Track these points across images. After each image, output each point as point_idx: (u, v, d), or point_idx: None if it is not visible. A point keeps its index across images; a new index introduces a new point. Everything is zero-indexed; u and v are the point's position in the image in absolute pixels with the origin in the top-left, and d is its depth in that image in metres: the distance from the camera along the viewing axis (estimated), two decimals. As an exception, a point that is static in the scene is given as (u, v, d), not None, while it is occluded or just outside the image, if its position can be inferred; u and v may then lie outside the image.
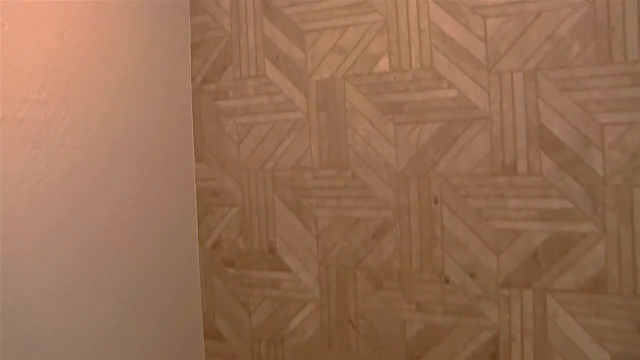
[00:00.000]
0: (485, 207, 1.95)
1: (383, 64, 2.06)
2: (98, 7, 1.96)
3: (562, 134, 1.86)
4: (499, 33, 1.92)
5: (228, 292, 2.40)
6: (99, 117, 1.96)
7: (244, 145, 2.32)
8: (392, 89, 2.05)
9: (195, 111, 2.40)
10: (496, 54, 1.93)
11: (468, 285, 1.99)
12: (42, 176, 1.75)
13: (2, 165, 1.62)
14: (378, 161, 2.09)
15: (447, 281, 2.02)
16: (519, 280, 1.92)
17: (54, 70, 1.79)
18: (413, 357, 2.08)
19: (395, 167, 2.07)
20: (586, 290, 1.83)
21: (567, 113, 1.85)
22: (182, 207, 2.34)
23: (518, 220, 1.91)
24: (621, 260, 1.79)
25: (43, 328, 1.73)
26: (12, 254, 1.64)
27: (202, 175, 2.41)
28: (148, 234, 2.14)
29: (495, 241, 1.94)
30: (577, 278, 1.84)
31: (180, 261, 2.33)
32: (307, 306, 2.24)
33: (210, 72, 2.37)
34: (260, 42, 2.25)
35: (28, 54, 1.70)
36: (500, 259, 1.94)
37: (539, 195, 1.88)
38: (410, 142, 2.05)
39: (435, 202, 2.02)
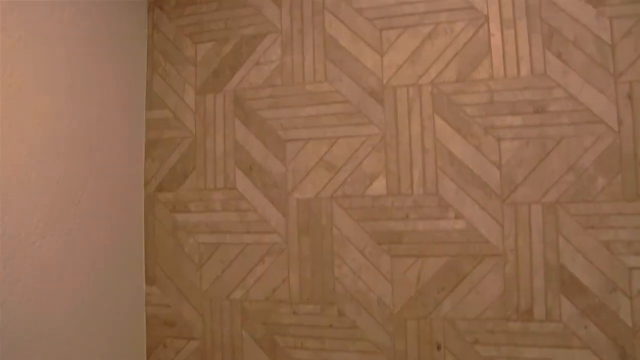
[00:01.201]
0: (497, 357, 1.70)
1: (379, 186, 1.79)
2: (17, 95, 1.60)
3: (585, 276, 1.65)
4: (515, 158, 1.70)
5: None
6: (26, 243, 1.57)
7: (207, 269, 1.97)
8: (389, 215, 1.78)
9: (147, 223, 2.04)
10: (512, 182, 1.70)
11: None
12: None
13: None
14: (370, 298, 1.80)
15: None
16: None
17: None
18: None
19: (391, 307, 1.78)
20: None
21: (590, 253, 1.65)
22: (128, 337, 1.97)
23: (534, 372, 1.66)
24: (652, 422, 1.56)
25: None
26: None
27: (154, 300, 2.04)
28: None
29: (508, 395, 1.68)
30: None
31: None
32: None
33: (167, 178, 2.03)
34: (230, 148, 1.94)
35: None
36: (514, 416, 1.67)
37: (558, 345, 1.67)
38: (410, 279, 1.77)
39: (438, 348, 1.75)
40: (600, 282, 1.65)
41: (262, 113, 1.95)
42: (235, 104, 1.98)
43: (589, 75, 1.68)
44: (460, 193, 1.76)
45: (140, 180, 2.08)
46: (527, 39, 1.73)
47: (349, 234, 1.84)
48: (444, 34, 1.79)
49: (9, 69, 1.51)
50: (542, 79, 1.71)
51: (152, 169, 2.08)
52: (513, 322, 1.71)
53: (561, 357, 1.67)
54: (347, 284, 1.85)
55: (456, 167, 1.76)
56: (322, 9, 1.91)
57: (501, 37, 1.74)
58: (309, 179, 1.89)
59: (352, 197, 1.85)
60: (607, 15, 1.68)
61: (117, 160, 1.96)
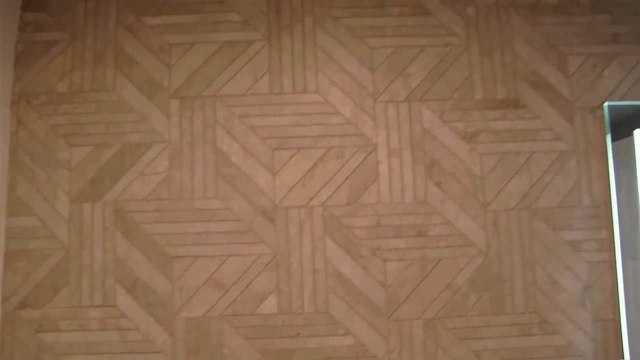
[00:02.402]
0: None
1: (270, 305, 1.83)
2: None
3: (459, 383, 1.83)
4: (399, 279, 1.85)
5: None
6: None
7: (81, 395, 1.83)
8: (281, 333, 1.82)
9: (4, 345, 1.84)
10: (396, 301, 1.84)
11: None
12: None
13: None
14: (261, 418, 1.81)
15: None
16: None
17: None
18: None
19: None
20: None
21: (464, 362, 1.83)
22: None
23: None
24: None
25: None
26: None
27: None
28: None
29: None
30: None
31: None
32: None
33: (33, 293, 1.86)
34: (110, 263, 1.84)
35: None
36: None
37: None
38: (300, 396, 1.82)
39: None
40: (472, 388, 1.84)
41: (146, 227, 1.88)
42: (117, 215, 1.89)
43: (463, 203, 1.89)
44: (349, 311, 1.85)
45: (-1, 295, 1.88)
46: (412, 168, 1.89)
47: (240, 353, 1.84)
48: (336, 158, 1.89)
49: None
50: (423, 205, 1.88)
51: (13, 283, 1.89)
52: None
53: None
54: (237, 404, 1.84)
55: (346, 287, 1.86)
56: (214, 124, 1.91)
57: (388, 165, 1.89)
58: (197, 297, 1.86)
59: (243, 316, 1.85)
60: (478, 151, 1.91)
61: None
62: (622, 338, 1.86)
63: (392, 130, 1.92)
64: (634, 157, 1.88)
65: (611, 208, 1.90)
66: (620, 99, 1.96)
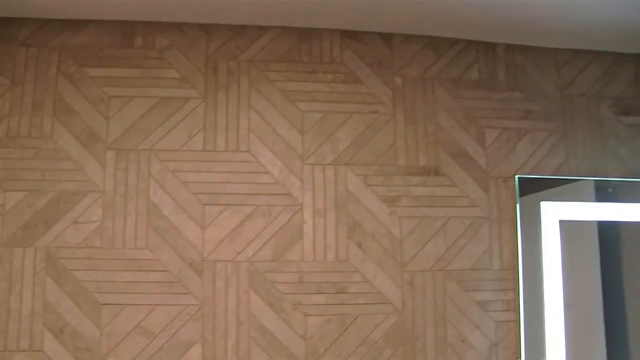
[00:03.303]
0: None
1: (195, 354, 1.96)
2: None
3: None
4: (319, 332, 1.99)
5: None
6: None
7: None
8: (204, 381, 1.93)
9: None
10: (315, 353, 1.99)
11: None
12: None
13: None
14: None
15: None
16: None
17: None
18: None
19: None
20: None
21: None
22: None
23: None
24: None
25: None
26: None
27: None
28: None
29: None
30: None
31: None
32: None
33: (-39, 335, 1.92)
34: (39, 307, 1.94)
35: None
36: None
37: None
38: None
39: None
40: None
41: (77, 274, 1.97)
42: (48, 261, 1.97)
43: (382, 264, 2.04)
44: (269, 362, 1.98)
45: None
46: (335, 228, 2.03)
47: (162, 400, 1.95)
48: (263, 216, 2.01)
49: None
50: (344, 264, 2.03)
51: (-58, 324, 1.94)
52: None
53: None
54: None
55: (267, 339, 1.99)
56: (148, 177, 2.01)
57: (313, 224, 2.03)
58: (124, 344, 1.95)
59: (168, 364, 1.96)
60: (398, 215, 2.07)
61: None
62: (522, 393, 2.05)
63: (318, 191, 2.05)
64: (540, 226, 2.06)
65: (518, 272, 2.08)
66: (530, 172, 2.15)
